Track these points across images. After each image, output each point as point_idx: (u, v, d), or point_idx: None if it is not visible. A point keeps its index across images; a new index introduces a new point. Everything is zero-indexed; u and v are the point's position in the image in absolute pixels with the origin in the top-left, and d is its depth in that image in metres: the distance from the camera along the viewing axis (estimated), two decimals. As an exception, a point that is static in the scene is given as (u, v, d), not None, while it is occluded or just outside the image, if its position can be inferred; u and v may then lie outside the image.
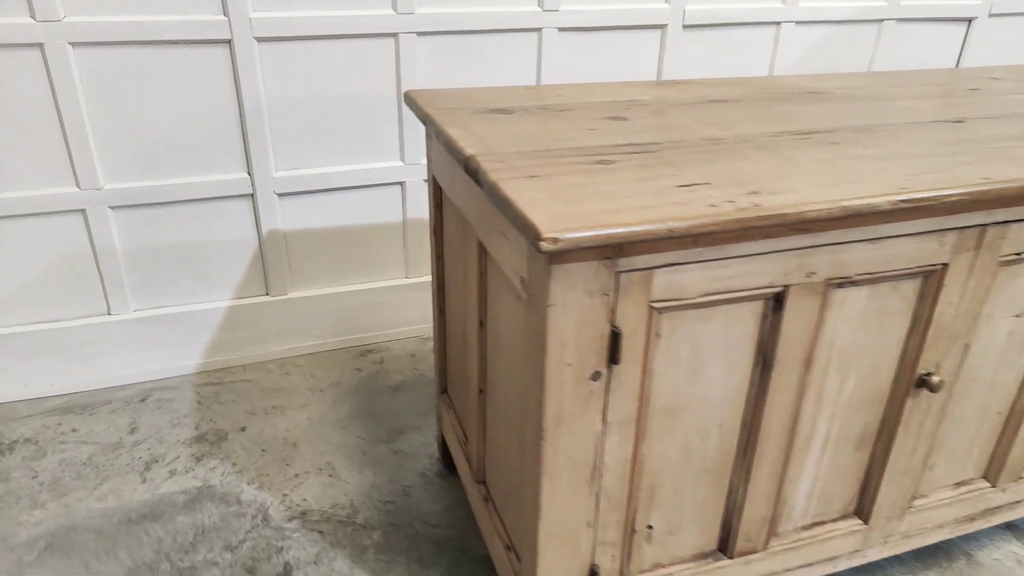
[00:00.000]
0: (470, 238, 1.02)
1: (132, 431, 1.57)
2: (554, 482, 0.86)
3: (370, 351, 1.88)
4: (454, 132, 0.98)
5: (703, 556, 1.04)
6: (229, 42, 1.50)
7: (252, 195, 1.65)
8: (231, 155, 1.60)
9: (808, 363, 0.92)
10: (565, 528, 0.89)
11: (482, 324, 1.04)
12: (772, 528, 1.06)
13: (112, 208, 1.56)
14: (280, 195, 1.67)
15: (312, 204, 1.71)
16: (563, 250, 0.70)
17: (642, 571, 1.00)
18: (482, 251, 0.98)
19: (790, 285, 0.85)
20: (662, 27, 1.83)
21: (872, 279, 0.89)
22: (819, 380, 0.95)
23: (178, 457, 1.50)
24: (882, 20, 2.04)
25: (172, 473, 1.46)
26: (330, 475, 1.47)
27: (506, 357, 0.95)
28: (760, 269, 0.82)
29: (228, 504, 1.38)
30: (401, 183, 1.76)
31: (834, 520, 1.10)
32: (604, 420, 0.84)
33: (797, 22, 1.95)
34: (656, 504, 0.95)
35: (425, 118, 1.08)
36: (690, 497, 0.97)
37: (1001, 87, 1.36)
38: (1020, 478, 1.21)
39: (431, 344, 1.91)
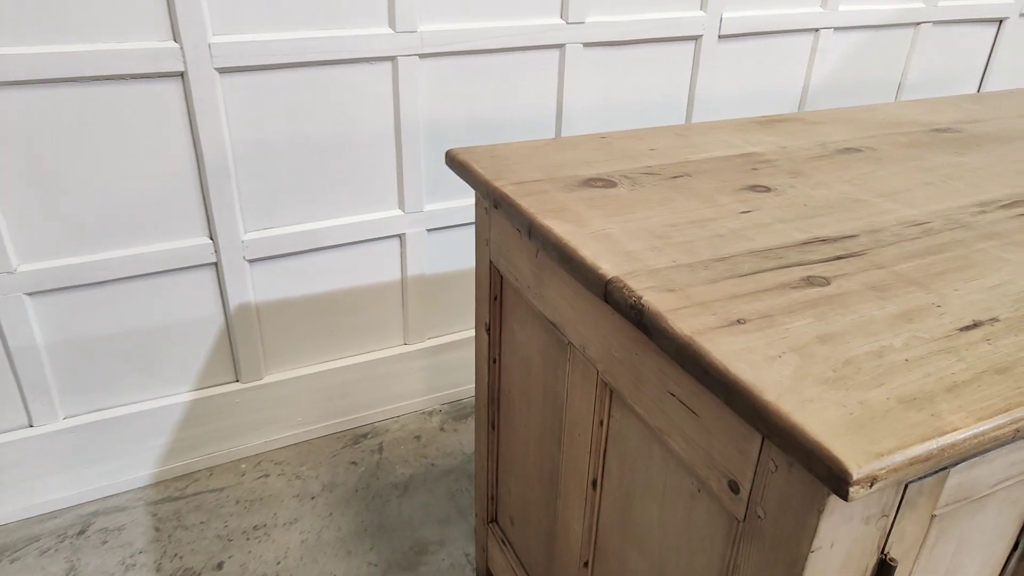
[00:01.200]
0: (582, 371, 0.72)
1: (73, 581, 1.21)
2: None
3: (365, 436, 1.56)
4: (562, 230, 0.68)
5: None
6: (183, 75, 1.15)
7: (216, 263, 1.30)
8: (188, 216, 1.25)
9: (1071, 535, 0.67)
10: None
11: (595, 486, 0.75)
12: None
13: (29, 295, 1.18)
14: (251, 261, 1.33)
15: (291, 268, 1.37)
16: (877, 487, 0.42)
17: None
18: (608, 395, 0.69)
19: (1085, 450, 0.59)
20: (696, 38, 1.56)
21: None
22: (1070, 547, 0.70)
23: (140, 619, 1.15)
24: (919, 23, 1.84)
25: (135, 645, 1.11)
26: (345, 627, 1.15)
27: (654, 550, 0.66)
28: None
29: None
30: (400, 235, 1.44)
31: None
32: (842, 669, 0.57)
33: (836, 28, 1.73)
34: None
35: (499, 198, 0.77)
36: None
37: None
38: None
39: (436, 421, 1.60)
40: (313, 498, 1.39)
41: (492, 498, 1.07)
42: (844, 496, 0.40)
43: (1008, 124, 1.07)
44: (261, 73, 1.20)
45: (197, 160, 1.22)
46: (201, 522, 1.33)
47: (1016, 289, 0.60)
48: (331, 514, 1.36)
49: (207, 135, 1.19)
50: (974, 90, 2.09)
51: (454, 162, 0.87)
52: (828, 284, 0.59)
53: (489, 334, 0.95)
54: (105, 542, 1.29)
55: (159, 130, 1.17)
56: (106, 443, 1.34)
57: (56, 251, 1.18)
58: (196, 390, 1.40)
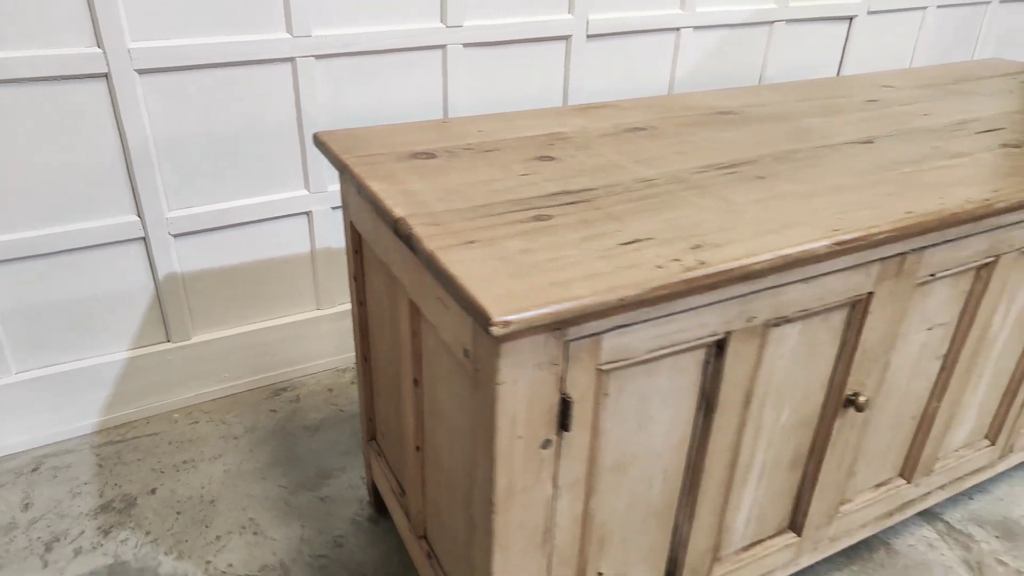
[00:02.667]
0: (400, 296, 0.97)
1: (26, 507, 1.43)
2: (507, 553, 0.83)
3: (284, 389, 1.79)
4: (379, 188, 0.92)
5: (655, 593, 1.04)
6: (107, 75, 1.37)
7: (144, 238, 1.52)
8: (118, 198, 1.47)
9: (747, 401, 0.93)
10: (522, 593, 0.87)
11: (417, 383, 0.99)
12: (715, 555, 1.07)
13: (-19, 264, 1.40)
14: (175, 236, 1.55)
15: (212, 243, 1.60)
16: (512, 333, 0.67)
17: (597, 618, 1.00)
18: (415, 311, 0.94)
19: (732, 331, 0.85)
20: (566, 38, 1.81)
21: (805, 315, 0.91)
22: (757, 415, 0.96)
23: (83, 532, 1.38)
24: (773, 22, 2.11)
25: (77, 552, 1.33)
26: (255, 533, 1.38)
27: (447, 421, 0.91)
28: (705, 320, 0.82)
29: (146, 581, 1.28)
30: (307, 212, 1.67)
31: (771, 537, 1.13)
32: (555, 485, 0.82)
33: (695, 27, 1.99)
34: (605, 553, 0.94)
35: (343, 168, 1.01)
36: (637, 541, 0.97)
37: (896, 96, 1.43)
38: (931, 471, 1.28)
39: (348, 376, 1.84)
40: (236, 438, 1.62)
41: (371, 419, 1.31)
42: (488, 333, 0.65)
43: (782, 108, 1.34)
44: (176, 73, 1.43)
45: (123, 148, 1.44)
46: (138, 459, 1.56)
47: (684, 221, 0.85)
48: (251, 450, 1.59)
49: (131, 127, 1.42)
50: (832, 80, 2.36)
51: (317, 141, 1.11)
52: (550, 219, 0.84)
53: (356, 281, 1.19)
54: (55, 476, 1.51)
55: (89, 123, 1.39)
56: (55, 395, 1.56)
57: (7, 226, 1.39)
58: (132, 349, 1.62)
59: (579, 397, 0.78)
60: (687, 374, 0.86)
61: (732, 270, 0.76)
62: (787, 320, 0.90)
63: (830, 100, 1.39)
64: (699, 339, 0.83)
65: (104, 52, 1.34)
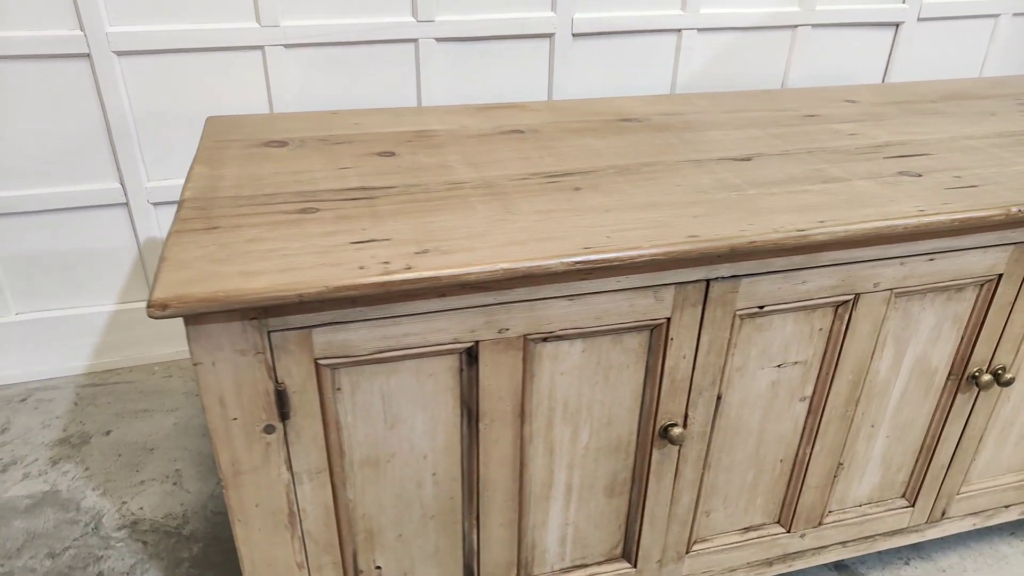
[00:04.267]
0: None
1: (3, 431, 1.63)
2: (248, 528, 0.87)
3: (257, 356, 1.91)
4: (196, 171, 0.98)
5: (450, 596, 1.04)
6: (88, 56, 1.52)
7: (126, 204, 1.68)
8: (102, 166, 1.63)
9: (523, 415, 0.91)
10: (273, 568, 0.91)
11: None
12: (525, 570, 1.05)
13: (-17, 216, 1.61)
14: (154, 204, 1.70)
15: (187, 213, 1.73)
16: (177, 315, 0.70)
17: (381, 609, 1.01)
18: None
19: (481, 341, 0.84)
20: (549, 36, 1.79)
21: (583, 334, 0.88)
22: (544, 431, 0.94)
23: (36, 460, 1.56)
24: (796, 26, 1.97)
25: (25, 476, 1.51)
26: (175, 483, 1.50)
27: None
28: (441, 327, 0.81)
29: (67, 510, 1.43)
30: (278, 193, 1.77)
31: (598, 563, 1.09)
32: (291, 470, 0.85)
33: (699, 29, 1.89)
34: (380, 546, 0.96)
35: (199, 151, 1.08)
36: (419, 542, 0.97)
37: (844, 113, 1.30)
38: (820, 523, 1.17)
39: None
40: (196, 396, 1.76)
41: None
42: (152, 315, 0.69)
43: (697, 118, 1.26)
44: (151, 56, 1.56)
45: (105, 122, 1.59)
46: (108, 402, 1.73)
47: (440, 226, 0.84)
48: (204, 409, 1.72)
49: (111, 103, 1.57)
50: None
51: (206, 123, 1.18)
52: (314, 212, 0.87)
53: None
54: (36, 408, 1.71)
55: (74, 98, 1.55)
56: (50, 337, 1.76)
57: (5, 185, 1.59)
58: (119, 303, 1.80)
59: (298, 388, 0.80)
60: (439, 379, 0.86)
61: (439, 279, 0.75)
62: (557, 337, 0.87)
63: (763, 113, 1.30)
64: (441, 344, 0.82)
65: (85, 35, 1.50)
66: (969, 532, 1.40)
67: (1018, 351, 1.10)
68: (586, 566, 1.08)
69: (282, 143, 1.09)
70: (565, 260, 0.78)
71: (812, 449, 1.09)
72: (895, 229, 0.88)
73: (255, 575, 0.90)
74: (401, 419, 0.87)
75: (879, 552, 1.35)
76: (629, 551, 1.09)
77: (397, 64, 1.72)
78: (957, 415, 1.13)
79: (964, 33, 2.15)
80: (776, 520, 1.16)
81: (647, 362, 0.93)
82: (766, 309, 0.93)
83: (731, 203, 0.92)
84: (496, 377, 0.86)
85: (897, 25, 2.06)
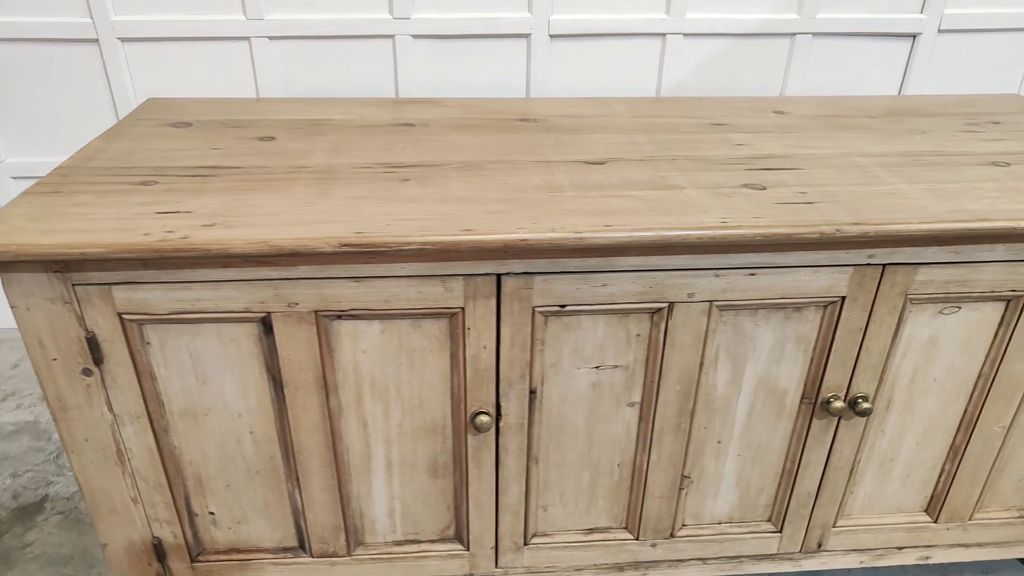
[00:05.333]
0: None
1: (15, 366, 1.87)
2: (81, 459, 0.98)
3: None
4: (93, 145, 1.11)
5: (284, 550, 1.12)
6: (97, 41, 1.71)
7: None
8: (106, 139, 1.82)
9: (327, 387, 0.97)
10: (111, 500, 1.02)
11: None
12: (356, 537, 1.12)
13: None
14: (155, 177, 1.88)
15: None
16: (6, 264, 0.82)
17: (217, 552, 1.11)
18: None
19: (273, 313, 0.91)
20: (526, 36, 1.83)
21: (377, 315, 0.93)
22: (355, 405, 1.00)
23: (31, 394, 1.77)
24: (794, 34, 1.90)
25: (18, 406, 1.73)
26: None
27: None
28: (229, 295, 0.89)
29: (39, 439, 1.63)
30: (265, 174, 1.91)
31: (431, 541, 1.14)
32: (112, 411, 0.96)
33: (685, 34, 1.87)
34: (210, 494, 1.05)
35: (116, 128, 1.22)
36: (249, 494, 1.06)
37: (756, 123, 1.27)
38: (672, 535, 1.16)
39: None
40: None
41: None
42: (-43, 260, 0.81)
43: (595, 122, 1.27)
44: (151, 43, 1.74)
45: (112, 100, 1.79)
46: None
47: (251, 203, 0.92)
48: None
49: (116, 85, 1.76)
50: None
51: (144, 103, 1.32)
52: (152, 185, 0.97)
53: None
54: (47, 350, 1.94)
55: (87, 77, 1.75)
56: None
57: (18, 152, 1.82)
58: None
59: (107, 337, 0.90)
60: (241, 344, 0.94)
61: (209, 249, 0.83)
62: (352, 316, 0.93)
63: (671, 119, 1.29)
64: (234, 312, 0.91)
65: (93, 22, 1.69)
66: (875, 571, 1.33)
67: (882, 381, 1.05)
68: (419, 542, 1.13)
69: (187, 124, 1.21)
70: (331, 242, 0.84)
71: (649, 457, 1.08)
72: (687, 239, 0.88)
73: (95, 503, 1.02)
74: (211, 378, 0.96)
75: (762, 577, 1.31)
76: (460, 534, 1.13)
77: (376, 59, 1.81)
78: (817, 442, 1.09)
79: (998, 47, 1.99)
80: (623, 525, 1.16)
81: (451, 349, 0.97)
82: (569, 309, 0.95)
83: (538, 203, 0.94)
84: (293, 348, 0.94)
85: (914, 36, 1.94)
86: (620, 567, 1.19)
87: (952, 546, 1.23)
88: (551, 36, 1.83)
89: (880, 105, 1.40)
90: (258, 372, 0.96)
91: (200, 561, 1.11)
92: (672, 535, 1.16)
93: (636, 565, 1.19)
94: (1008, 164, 1.10)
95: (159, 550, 1.08)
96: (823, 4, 1.87)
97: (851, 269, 0.95)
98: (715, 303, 0.96)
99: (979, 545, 1.23)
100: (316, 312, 0.92)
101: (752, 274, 0.94)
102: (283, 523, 1.09)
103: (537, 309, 0.94)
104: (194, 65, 1.76)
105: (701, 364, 1.01)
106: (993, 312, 1.02)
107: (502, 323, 0.95)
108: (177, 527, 1.06)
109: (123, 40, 1.71)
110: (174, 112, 1.27)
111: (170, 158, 1.06)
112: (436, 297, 0.92)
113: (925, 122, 1.30)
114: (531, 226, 0.88)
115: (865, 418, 1.08)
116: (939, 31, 1.94)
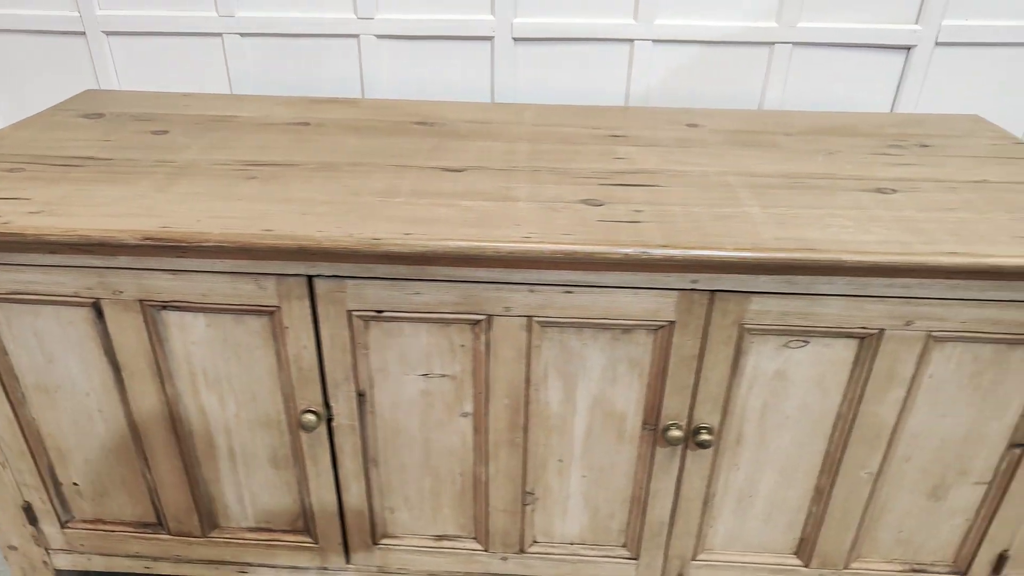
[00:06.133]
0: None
1: None
2: (-52, 421, 1.07)
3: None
4: (4, 131, 1.19)
5: (144, 525, 1.17)
6: (84, 34, 1.83)
7: (118, 160, 1.99)
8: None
9: (161, 375, 1.01)
10: (-20, 462, 1.10)
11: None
12: (210, 520, 1.16)
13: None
14: (140, 162, 1.99)
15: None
16: None
17: (84, 520, 1.17)
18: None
19: (101, 299, 0.96)
20: (489, 39, 1.83)
21: (200, 308, 0.96)
22: (191, 393, 1.03)
23: None
24: (772, 43, 1.81)
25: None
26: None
27: None
28: (59, 280, 0.94)
29: None
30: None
31: (284, 531, 1.16)
32: (-31, 380, 1.03)
33: (655, 40, 1.82)
34: (72, 465, 1.12)
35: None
36: (106, 468, 1.12)
37: (653, 136, 1.23)
38: (523, 551, 1.15)
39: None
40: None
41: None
42: None
43: (492, 128, 1.26)
44: (134, 37, 1.84)
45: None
46: None
47: (95, 193, 0.97)
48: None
49: (102, 75, 1.87)
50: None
51: (80, 94, 1.41)
52: (20, 172, 1.03)
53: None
54: None
55: (74, 67, 1.87)
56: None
57: (23, 134, 1.96)
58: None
59: (-46, 311, 0.98)
60: (78, 327, 0.99)
61: (24, 234, 0.88)
62: (176, 308, 0.96)
63: (568, 129, 1.27)
64: (65, 296, 0.96)
65: (80, 16, 1.81)
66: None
67: (727, 413, 1.00)
68: (272, 531, 1.17)
69: (99, 115, 1.28)
70: (135, 234, 0.88)
71: (487, 469, 1.07)
72: (483, 251, 0.86)
73: (-33, 464, 1.10)
74: (56, 357, 1.01)
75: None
76: (309, 527, 1.15)
77: (342, 58, 1.85)
78: (663, 470, 1.05)
79: (1008, 62, 1.84)
80: (472, 536, 1.15)
81: (275, 347, 0.99)
82: (387, 314, 0.95)
83: (363, 207, 0.95)
84: (124, 334, 0.98)
85: (909, 48, 1.82)
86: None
87: (830, 594, 1.15)
88: (515, 39, 1.82)
89: (808, 122, 1.33)
90: (97, 354, 1.01)
91: (70, 528, 1.17)
92: (522, 550, 1.15)
93: (490, 577, 1.18)
94: (893, 191, 1.02)
95: (30, 514, 1.15)
96: (805, 12, 1.78)
97: (676, 294, 0.91)
98: (534, 318, 0.94)
99: (861, 596, 1.15)
100: (141, 301, 0.96)
101: (569, 291, 0.92)
102: (141, 500, 1.15)
103: (353, 313, 0.95)
104: (173, 59, 1.85)
105: (528, 379, 0.99)
106: (845, 350, 0.95)
107: (320, 325, 0.96)
108: (43, 494, 1.13)
109: (108, 33, 1.82)
110: (100, 103, 1.35)
111: (56, 148, 1.13)
112: (251, 295, 0.94)
113: (844, 142, 1.22)
114: (333, 230, 0.88)
115: (709, 450, 1.03)
116: (936, 44, 1.81)
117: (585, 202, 0.97)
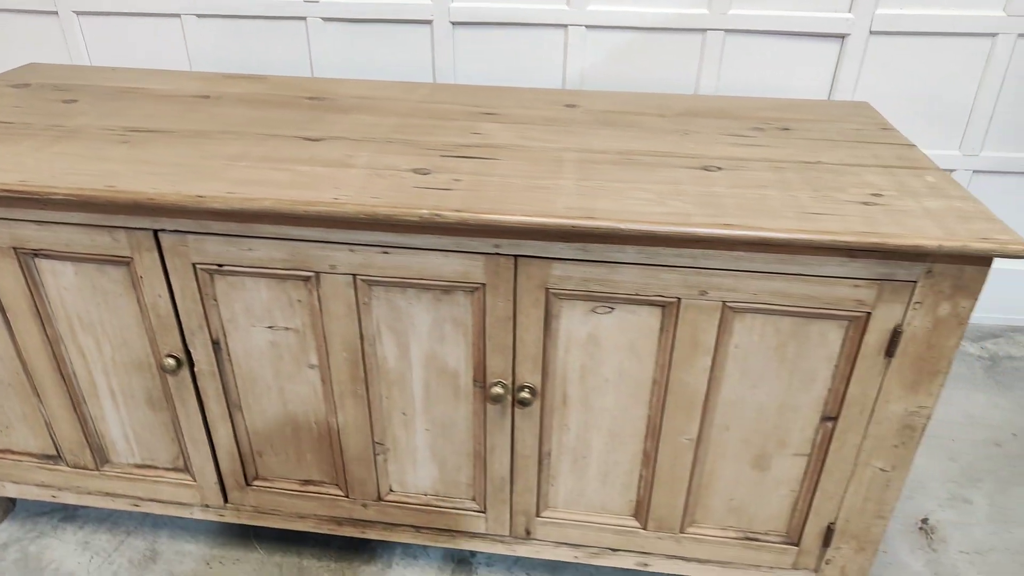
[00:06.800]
0: None
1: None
2: None
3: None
4: (-67, 97, 1.33)
5: (47, 457, 1.30)
6: (56, 13, 1.97)
7: (93, 132, 2.14)
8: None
9: (41, 317, 1.12)
10: (-100, 392, 1.24)
11: None
12: (101, 455, 1.27)
13: None
14: (112, 135, 2.13)
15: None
16: None
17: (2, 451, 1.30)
18: None
19: (-18, 246, 1.07)
20: (428, 23, 1.90)
21: (65, 257, 1.07)
22: (71, 336, 1.14)
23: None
24: (704, 30, 1.84)
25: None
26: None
27: None
28: (-56, 227, 1.06)
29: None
30: (202, 139, 2.11)
31: (166, 469, 1.27)
32: None
33: (588, 26, 1.86)
34: (-23, 398, 1.24)
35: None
36: (7, 403, 1.24)
37: (521, 115, 1.29)
38: (381, 500, 1.23)
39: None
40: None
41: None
42: None
43: (381, 104, 1.34)
44: (102, 17, 1.97)
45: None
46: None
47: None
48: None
49: (75, 53, 2.01)
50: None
51: (24, 67, 1.54)
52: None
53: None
54: None
55: (51, 48, 2.02)
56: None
57: (7, 106, 2.12)
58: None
59: None
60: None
61: (-97, 185, 1.00)
62: (45, 256, 1.07)
63: (450, 106, 1.33)
64: (-47, 243, 1.07)
65: (54, -4, 1.95)
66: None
67: (547, 373, 1.06)
68: (155, 468, 1.27)
69: (25, 86, 1.40)
70: (-3, 188, 0.99)
71: (338, 419, 1.15)
72: (294, 210, 0.94)
73: None
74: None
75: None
76: (187, 465, 1.26)
77: (292, 39, 1.95)
78: (496, 427, 1.12)
79: (953, 53, 1.83)
80: (334, 482, 1.24)
81: (136, 295, 1.09)
82: (227, 268, 1.04)
83: (208, 170, 1.04)
84: (3, 278, 1.09)
85: (843, 37, 1.82)
86: (338, 520, 1.27)
87: (669, 557, 1.20)
88: (452, 23, 1.89)
89: (684, 105, 1.36)
90: (-15, 297, 1.13)
91: (-18, 456, 1.30)
92: (380, 498, 1.23)
93: (353, 522, 1.27)
94: (719, 169, 1.06)
95: (-55, 441, 1.29)
96: (736, 0, 1.80)
97: (482, 257, 0.97)
98: (359, 276, 1.02)
99: (699, 561, 1.20)
100: (14, 248, 1.07)
101: (386, 252, 0.99)
102: (41, 433, 1.27)
103: (198, 266, 1.04)
104: (137, 39, 1.98)
105: (361, 334, 1.07)
106: (651, 317, 1.00)
107: (171, 276, 1.05)
108: (-45, 423, 1.27)
109: (78, 13, 1.95)
110: (37, 75, 1.47)
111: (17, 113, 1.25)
112: (107, 246, 1.04)
113: (707, 123, 1.26)
114: (166, 187, 0.97)
115: (534, 408, 1.09)
116: (871, 32, 1.81)
117: (415, 171, 1.04)
